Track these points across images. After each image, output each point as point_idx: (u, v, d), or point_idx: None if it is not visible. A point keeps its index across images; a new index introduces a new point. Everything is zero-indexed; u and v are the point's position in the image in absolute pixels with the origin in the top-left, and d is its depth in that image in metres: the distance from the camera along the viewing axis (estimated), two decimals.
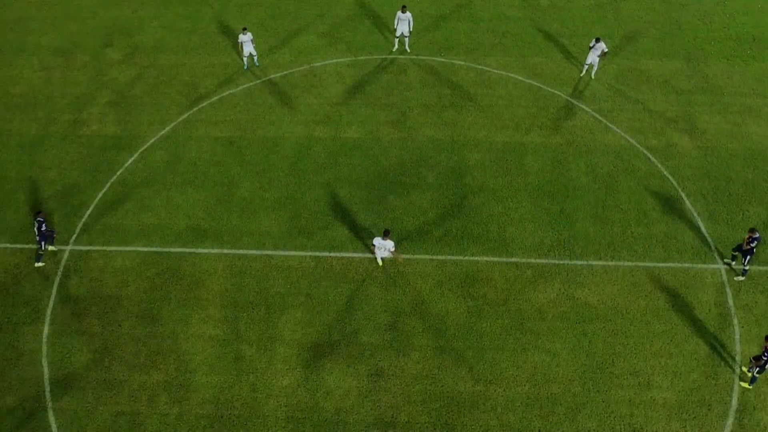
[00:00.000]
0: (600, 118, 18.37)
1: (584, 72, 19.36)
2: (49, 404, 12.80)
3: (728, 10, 22.49)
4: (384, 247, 13.93)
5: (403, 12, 19.18)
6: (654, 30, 21.51)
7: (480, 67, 19.98)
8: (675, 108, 18.72)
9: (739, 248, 14.18)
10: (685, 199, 16.27)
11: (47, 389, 13.03)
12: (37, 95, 19.71)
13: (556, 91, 19.20)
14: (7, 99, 19.58)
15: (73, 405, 12.78)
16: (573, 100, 18.89)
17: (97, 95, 19.61)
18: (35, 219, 14.64)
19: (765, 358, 11.92)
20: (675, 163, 17.10)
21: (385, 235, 13.82)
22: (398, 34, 19.68)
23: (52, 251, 15.25)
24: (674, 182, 16.65)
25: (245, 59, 19.82)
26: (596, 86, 19.34)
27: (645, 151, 17.43)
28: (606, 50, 18.54)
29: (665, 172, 16.89)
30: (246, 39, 19.28)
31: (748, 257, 14.01)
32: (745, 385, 12.77)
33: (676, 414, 12.47)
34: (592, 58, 18.70)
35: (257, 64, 20.04)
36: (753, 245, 13.74)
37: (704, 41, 21.15)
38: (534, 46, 20.85)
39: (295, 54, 20.76)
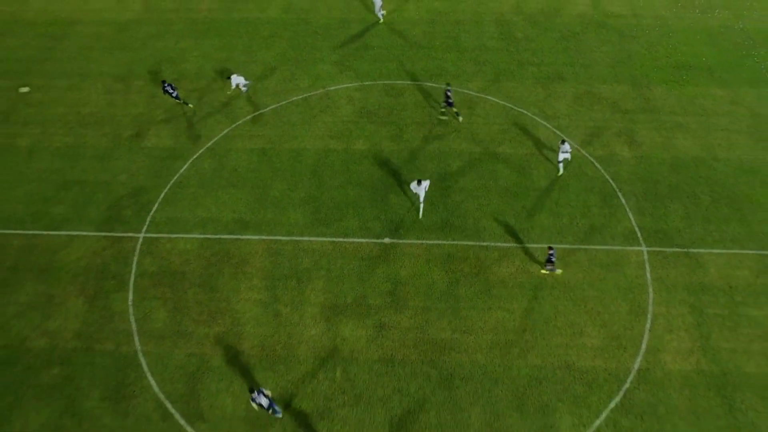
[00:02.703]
0: (559, 132, 22.90)
1: (561, 171, 21.15)
2: (138, 348, 17.33)
3: (672, 41, 27.02)
4: (423, 188, 19.18)
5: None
6: (608, 59, 26.05)
7: (463, 90, 24.54)
8: (619, 124, 23.24)
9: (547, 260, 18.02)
10: (620, 197, 20.78)
11: (136, 338, 17.57)
12: (103, 114, 24.30)
13: (524, 111, 23.73)
14: (79, 118, 24.17)
15: (156, 349, 17.30)
16: (537, 118, 23.42)
17: (152, 114, 24.19)
18: None
19: (552, 257, 17.30)
20: (615, 169, 21.62)
21: (419, 182, 19.12)
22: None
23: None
24: (613, 184, 21.16)
25: (243, 89, 24.02)
26: (557, 106, 23.87)
27: (592, 160, 21.94)
28: (569, 150, 20.56)
29: (607, 176, 21.41)
30: (239, 80, 23.44)
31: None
32: (544, 271, 18.20)
33: (599, 354, 16.95)
34: (563, 156, 20.65)
35: (245, 91, 24.04)
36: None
37: (649, 68, 25.68)
38: (508, 73, 25.40)
39: (312, 80, 25.34)
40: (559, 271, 18.57)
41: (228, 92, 24.16)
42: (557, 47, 26.64)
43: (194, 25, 28.41)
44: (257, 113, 23.94)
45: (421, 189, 19.46)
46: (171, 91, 23.22)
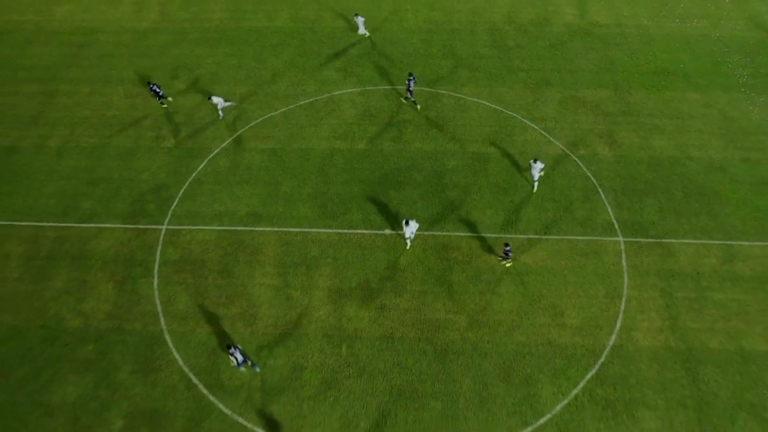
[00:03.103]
0: (545, 134, 24.88)
1: (535, 188, 22.55)
2: (164, 327, 19.28)
3: (652, 49, 29.01)
4: (410, 230, 19.98)
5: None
6: (592, 65, 28.04)
7: (458, 95, 26.52)
8: (601, 126, 25.21)
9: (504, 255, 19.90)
10: (601, 192, 22.74)
11: (161, 318, 19.52)
12: (126, 117, 26.29)
13: (514, 114, 25.71)
14: (104, 120, 26.15)
15: (180, 328, 19.26)
16: (526, 121, 25.40)
17: (171, 117, 26.16)
18: None
19: (508, 251, 19.24)
20: (596, 167, 23.58)
21: (407, 222, 19.88)
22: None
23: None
24: (594, 181, 23.13)
25: (220, 112, 25.36)
26: (544, 110, 25.85)
27: (576, 159, 23.91)
28: (543, 167, 21.86)
29: (588, 174, 23.37)
30: (219, 101, 24.72)
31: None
32: (504, 263, 20.04)
33: (578, 332, 18.89)
34: (536, 174, 21.94)
35: (221, 116, 25.37)
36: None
37: (630, 74, 27.66)
38: (500, 79, 27.39)
39: (318, 85, 27.32)
40: (508, 264, 20.38)
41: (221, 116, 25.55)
42: (545, 54, 28.63)
43: (207, 33, 30.41)
44: (267, 116, 25.92)
45: (408, 230, 20.10)
46: (158, 90, 25.64)
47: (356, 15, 28.96)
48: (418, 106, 25.44)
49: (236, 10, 31.91)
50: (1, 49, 30.10)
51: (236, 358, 17.30)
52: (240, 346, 18.05)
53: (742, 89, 26.82)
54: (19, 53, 29.90)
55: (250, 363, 17.86)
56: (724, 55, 28.57)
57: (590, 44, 29.20)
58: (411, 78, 24.81)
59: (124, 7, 32.32)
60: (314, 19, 31.22)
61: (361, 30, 28.85)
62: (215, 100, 24.81)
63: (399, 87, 26.95)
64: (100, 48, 29.90)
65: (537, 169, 21.90)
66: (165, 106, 26.17)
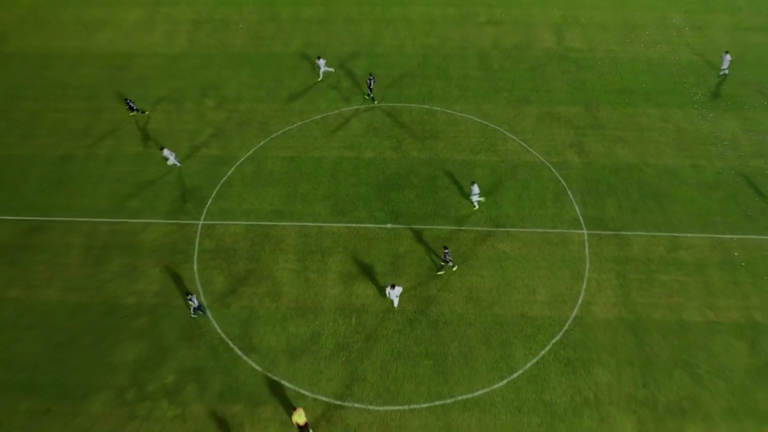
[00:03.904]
0: (524, 144, 29.06)
1: (476, 206, 25.79)
2: (204, 303, 23.28)
3: (619, 71, 33.31)
4: (395, 294, 21.90)
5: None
6: (566, 85, 32.32)
7: (449, 111, 30.77)
8: (572, 138, 29.39)
9: (443, 259, 23.44)
10: (569, 193, 26.85)
11: (201, 296, 23.50)
12: (164, 130, 30.51)
13: (497, 127, 29.92)
14: (144, 133, 30.35)
15: (217, 303, 23.23)
16: (507, 133, 29.60)
17: (202, 130, 30.40)
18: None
19: (447, 255, 22.50)
20: (566, 172, 27.72)
21: (393, 286, 21.87)
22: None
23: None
24: (564, 184, 27.25)
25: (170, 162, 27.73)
26: (524, 124, 30.05)
27: (549, 165, 28.06)
28: (478, 192, 25.10)
29: (560, 178, 27.50)
30: (168, 154, 27.26)
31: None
32: (440, 273, 23.33)
33: (547, 306, 22.85)
34: (475, 197, 25.27)
35: (179, 164, 28.01)
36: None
37: (599, 93, 31.92)
38: (486, 97, 31.64)
39: (329, 102, 31.58)
40: (454, 268, 23.73)
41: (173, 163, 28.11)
42: (526, 76, 32.93)
43: (231, 58, 34.77)
44: (286, 129, 30.15)
45: (394, 294, 21.97)
46: (132, 105, 30.08)
47: (318, 57, 32.03)
48: (375, 102, 30.18)
49: (256, 37, 36.32)
50: (52, 71, 34.44)
51: (193, 303, 22.04)
52: (195, 295, 22.94)
53: (695, 106, 31.06)
54: (67, 74, 34.23)
55: (202, 311, 22.68)
56: (681, 76, 32.86)
57: (565, 67, 33.51)
58: (371, 78, 29.70)
59: (157, 34, 36.74)
60: (325, 44, 35.59)
61: (323, 70, 31.99)
62: (166, 153, 27.31)
63: (398, 104, 31.20)
64: (138, 70, 34.23)
65: (474, 193, 25.20)
66: (147, 112, 30.64)
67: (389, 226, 25.66)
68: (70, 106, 32.07)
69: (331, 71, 32.79)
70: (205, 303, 23.10)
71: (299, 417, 18.93)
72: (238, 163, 28.61)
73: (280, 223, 25.93)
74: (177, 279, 24.09)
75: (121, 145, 29.74)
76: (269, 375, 21.21)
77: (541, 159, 28.35)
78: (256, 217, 26.19)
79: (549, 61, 33.95)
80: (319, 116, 30.81)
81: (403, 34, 36.12)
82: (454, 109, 30.91)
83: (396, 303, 22.72)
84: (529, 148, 28.83)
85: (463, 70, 33.37)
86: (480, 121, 30.26)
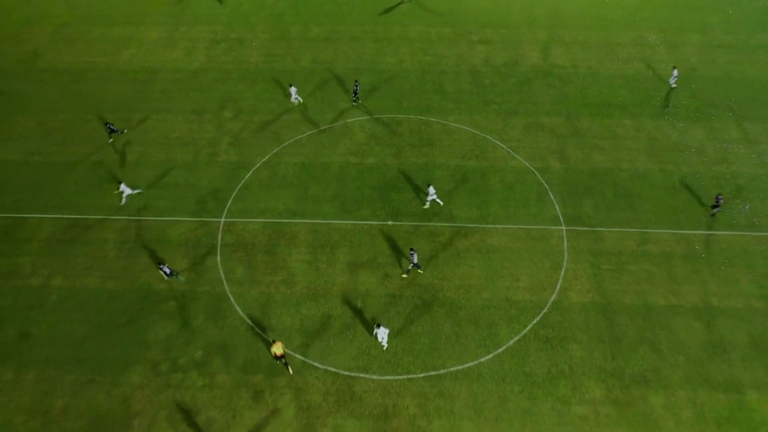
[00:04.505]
0: (511, 151, 32.34)
1: (427, 205, 28.70)
2: (227, 289, 26.38)
3: (598, 85, 36.70)
4: (383, 333, 23.15)
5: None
6: (550, 98, 35.67)
7: (444, 122, 34.10)
8: (555, 145, 32.67)
9: (415, 266, 26.38)
10: (550, 194, 30.06)
11: (225, 283, 26.60)
12: (186, 138, 33.81)
13: (487, 136, 33.23)
14: (170, 140, 33.64)
15: (238, 289, 26.34)
16: (497, 141, 32.90)
17: (221, 139, 33.69)
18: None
19: (413, 257, 25.25)
20: (548, 176, 30.96)
21: (378, 326, 23.12)
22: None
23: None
24: (546, 186, 30.48)
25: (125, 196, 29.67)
26: (511, 133, 33.36)
27: (533, 170, 31.32)
28: (434, 193, 28.12)
29: (542, 180, 30.74)
30: (124, 188, 29.24)
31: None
32: (404, 275, 26.05)
33: (528, 292, 25.97)
34: (431, 197, 28.20)
35: (124, 202, 29.66)
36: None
37: (580, 105, 35.27)
38: (477, 109, 34.99)
39: (335, 114, 34.92)
40: (421, 271, 26.33)
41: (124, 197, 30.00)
42: (514, 90, 36.32)
43: (246, 73, 38.19)
44: (297, 138, 33.46)
45: (381, 334, 23.18)
46: (112, 128, 32.51)
47: (291, 85, 34.50)
48: (359, 102, 34.39)
49: (269, 54, 39.77)
50: (82, 85, 37.83)
51: (165, 272, 25.70)
52: (167, 264, 27.07)
53: (666, 117, 34.40)
54: (96, 88, 37.61)
55: (175, 275, 26.32)
56: (654, 90, 36.25)
57: (550, 82, 36.91)
58: (357, 84, 33.95)
59: (177, 52, 40.19)
60: (331, 61, 39.03)
61: (294, 98, 34.65)
62: (122, 187, 29.38)
63: (398, 116, 34.54)
64: (161, 84, 37.62)
65: (431, 194, 28.26)
66: (124, 131, 33.22)
67: (390, 223, 28.83)
68: (101, 116, 35.37)
69: (300, 101, 35.08)
70: (177, 270, 27.03)
71: (277, 348, 22.81)
72: (255, 168, 31.86)
73: (293, 221, 29.13)
74: (202, 269, 27.22)
75: (147, 151, 33.00)
76: (285, 350, 24.25)
77: (526, 164, 31.61)
78: (271, 216, 29.38)
79: (535, 76, 37.35)
80: (327, 126, 34.12)
81: (402, 52, 39.57)
82: (449, 120, 34.24)
83: (385, 343, 23.68)
84: (515, 155, 32.10)
85: (457, 85, 36.75)
86: (472, 130, 33.58)
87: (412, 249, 25.65)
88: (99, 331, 25.17)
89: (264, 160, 32.30)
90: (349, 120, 34.49)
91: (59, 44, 41.22)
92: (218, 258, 27.65)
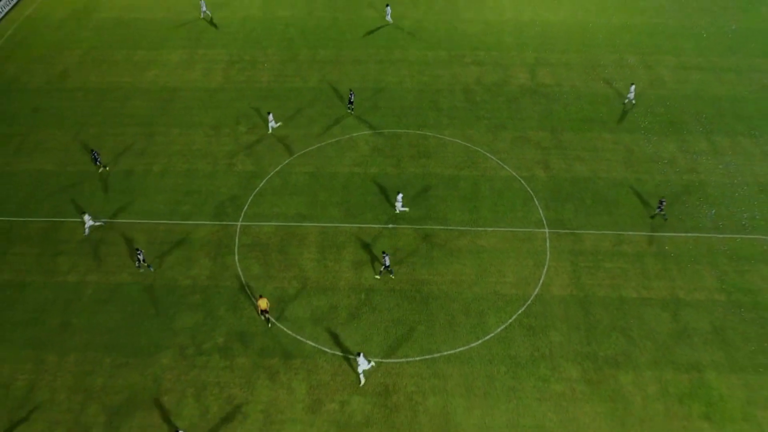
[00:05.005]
0: (500, 162, 35.70)
1: (398, 210, 31.66)
2: (244, 283, 29.54)
3: (581, 103, 40.19)
4: (364, 363, 24.04)
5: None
6: (536, 114, 39.14)
7: (439, 136, 37.54)
8: (539, 157, 36.03)
9: (386, 268, 30.04)
10: (535, 200, 33.33)
11: (242, 279, 29.77)
12: (206, 150, 37.24)
13: (479, 149, 36.62)
14: (192, 152, 37.06)
15: (256, 284, 29.48)
16: (487, 153, 36.28)
17: (238, 150, 37.12)
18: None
19: (386, 260, 28.51)
20: (534, 184, 34.26)
21: (358, 354, 24.40)
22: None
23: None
24: (532, 193, 33.76)
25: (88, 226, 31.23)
26: (500, 146, 36.75)
27: (520, 179, 34.63)
28: (401, 200, 31.07)
29: (528, 188, 34.03)
30: (87, 219, 30.68)
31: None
32: (377, 276, 29.20)
33: (514, 286, 29.09)
34: (399, 206, 31.12)
35: (87, 233, 31.19)
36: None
37: (563, 121, 38.71)
38: (470, 124, 38.44)
39: (341, 129, 38.38)
40: (392, 276, 29.29)
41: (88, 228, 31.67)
42: (503, 107, 39.82)
43: (259, 92, 41.76)
44: (307, 150, 36.88)
45: (360, 362, 24.27)
46: (96, 156, 34.72)
47: (268, 113, 37.37)
48: (353, 112, 38.13)
49: (279, 74, 43.40)
50: (109, 103, 41.38)
51: (139, 259, 29.17)
52: (143, 250, 30.67)
53: (642, 132, 37.81)
54: (121, 105, 41.16)
55: (146, 265, 29.74)
56: (632, 107, 39.71)
57: (536, 100, 40.42)
58: (351, 93, 37.71)
59: (196, 72, 43.85)
60: (337, 81, 42.62)
61: (271, 124, 37.58)
62: (85, 218, 30.90)
63: (398, 130, 37.99)
64: (182, 102, 41.18)
65: (399, 200, 31.46)
66: (101, 170, 35.25)
67: (390, 226, 32.07)
68: (127, 131, 38.89)
69: (279, 124, 38.09)
70: (149, 263, 30.48)
71: (262, 303, 26.80)
72: (268, 176, 35.22)
73: (303, 224, 32.38)
74: (222, 266, 30.42)
75: (171, 162, 36.41)
76: (297, 337, 27.36)
77: (514, 173, 34.94)
78: (284, 219, 32.65)
79: (523, 94, 40.88)
80: (334, 140, 37.56)
81: (402, 73, 43.18)
82: (444, 134, 37.68)
83: (362, 377, 24.82)
84: (504, 165, 35.45)
85: (452, 102, 40.27)
86: (464, 143, 36.99)
87: (384, 252, 28.59)
88: (131, 321, 28.28)
89: (276, 169, 35.67)
90: (354, 134, 37.92)
91: (87, 66, 44.90)
92: (236, 257, 30.84)
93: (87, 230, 31.65)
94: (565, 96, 40.75)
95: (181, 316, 28.37)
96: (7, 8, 51.65)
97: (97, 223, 32.24)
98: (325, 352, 26.79)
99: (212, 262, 30.66)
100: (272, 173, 35.48)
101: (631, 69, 43.12)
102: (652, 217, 32.13)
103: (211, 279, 29.88)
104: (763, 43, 45.44)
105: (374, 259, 30.45)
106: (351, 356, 26.60)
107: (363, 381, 25.27)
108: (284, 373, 26.05)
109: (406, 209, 32.59)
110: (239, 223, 32.56)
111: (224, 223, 32.61)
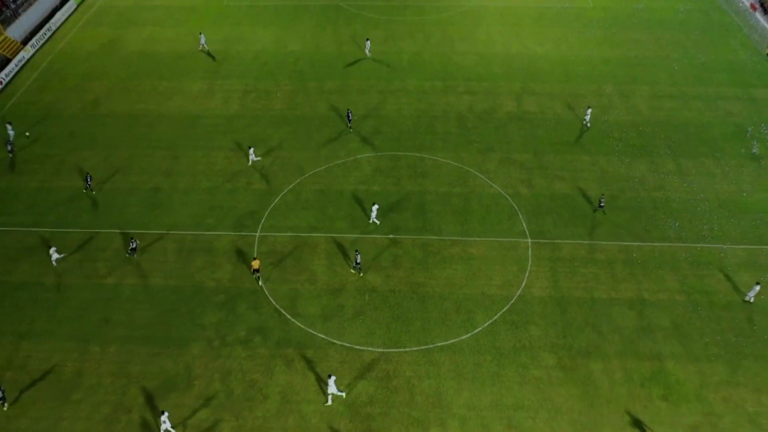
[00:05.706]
0: (488, 180, 40.07)
1: (372, 220, 39.03)
2: (263, 286, 33.58)
3: (562, 128, 44.75)
4: (333, 387, 26.59)
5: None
6: (521, 138, 43.65)
7: (434, 158, 42.01)
8: (524, 176, 40.41)
9: (356, 265, 34.43)
10: (519, 214, 37.58)
11: (260, 282, 33.82)
12: (225, 169, 41.66)
13: (470, 169, 41.03)
14: (214, 171, 41.47)
15: (273, 286, 33.51)
16: (477, 173, 40.67)
17: (254, 171, 41.53)
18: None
19: (357, 257, 32.77)
20: (518, 200, 38.56)
21: (329, 376, 26.94)
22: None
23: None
24: (516, 208, 38.03)
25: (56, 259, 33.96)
26: (488, 166, 41.16)
27: (506, 195, 38.95)
28: (377, 208, 36.40)
29: (513, 204, 38.31)
30: (53, 252, 33.54)
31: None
32: (352, 270, 33.58)
33: (500, 288, 33.11)
34: (374, 216, 36.90)
35: (55, 265, 34.12)
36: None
37: (546, 144, 43.20)
38: (462, 147, 42.93)
39: (347, 152, 42.87)
40: (361, 274, 33.77)
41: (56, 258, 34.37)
42: (492, 132, 44.37)
43: (273, 118, 46.41)
44: (316, 170, 41.30)
45: (331, 383, 26.72)
46: (89, 181, 38.96)
47: (249, 147, 41.56)
48: (351, 129, 43.14)
49: (291, 102, 48.14)
50: (137, 128, 45.98)
51: (133, 248, 34.13)
52: (137, 241, 35.23)
53: (617, 154, 42.27)
54: (149, 130, 45.76)
55: (133, 255, 34.67)
56: (609, 132, 44.28)
57: (522, 125, 45.01)
58: (349, 112, 42.99)
59: (216, 101, 48.60)
60: (343, 109, 47.32)
61: (251, 158, 41.36)
62: (51, 251, 33.64)
63: (398, 153, 42.46)
64: (204, 127, 45.79)
65: (374, 211, 35.80)
66: (93, 192, 39.04)
67: (391, 236, 36.27)
68: (155, 153, 43.39)
69: (259, 159, 41.93)
70: (134, 254, 34.96)
71: (255, 263, 32.12)
72: (282, 193, 39.57)
73: (314, 234, 36.59)
74: (243, 271, 34.52)
75: (196, 180, 40.81)
76: (310, 331, 31.31)
77: (500, 191, 39.28)
78: (297, 231, 36.86)
79: (510, 121, 45.50)
80: (340, 161, 42.02)
81: (401, 101, 47.91)
82: (438, 156, 42.15)
83: (330, 398, 27.27)
84: (492, 184, 39.81)
85: (446, 128, 44.86)
86: (457, 164, 41.42)
87: (356, 251, 33.06)
88: (164, 317, 32.26)
89: (290, 187, 40.02)
90: (359, 156, 42.40)
91: (116, 95, 49.69)
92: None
93: (55, 263, 34.29)
94: (548, 122, 45.34)
95: (207, 313, 32.35)
96: (42, 42, 56.79)
97: (62, 256, 34.78)
98: (334, 344, 30.69)
99: (234, 266, 34.76)
100: (286, 190, 39.82)
101: (608, 98, 47.83)
102: (594, 210, 36.52)
103: (233, 281, 33.94)
104: (729, 74, 50.29)
105: (376, 264, 34.56)
106: (356, 348, 30.52)
107: (330, 402, 27.60)
108: (299, 361, 29.92)
109: (377, 222, 36.60)
110: (257, 234, 36.76)
111: (244, 233, 36.82)
